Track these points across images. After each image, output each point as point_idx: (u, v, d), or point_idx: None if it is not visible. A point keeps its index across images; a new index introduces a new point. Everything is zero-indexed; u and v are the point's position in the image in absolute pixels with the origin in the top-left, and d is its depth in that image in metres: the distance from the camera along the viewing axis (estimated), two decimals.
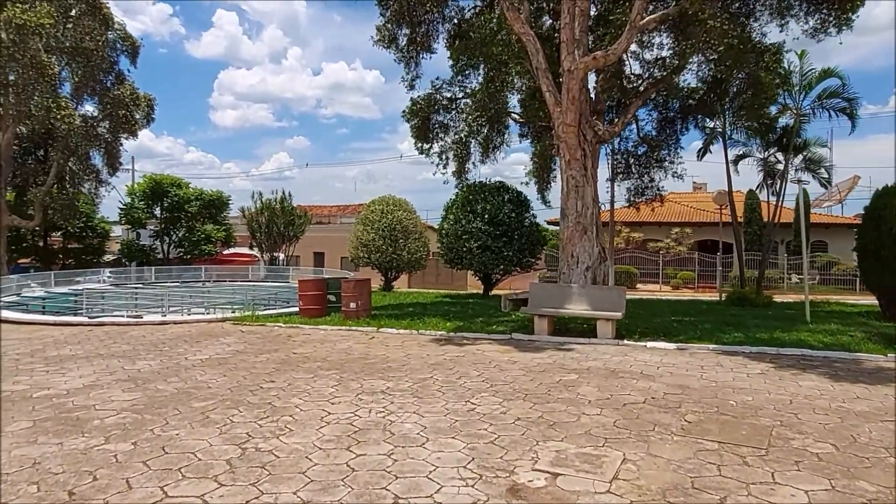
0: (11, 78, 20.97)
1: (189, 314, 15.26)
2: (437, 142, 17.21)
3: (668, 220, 34.50)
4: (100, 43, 24.00)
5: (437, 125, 17.12)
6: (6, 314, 14.35)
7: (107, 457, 4.82)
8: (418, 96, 16.84)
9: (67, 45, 23.73)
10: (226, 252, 37.21)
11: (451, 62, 16.14)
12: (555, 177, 18.72)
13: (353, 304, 12.69)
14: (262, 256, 32.23)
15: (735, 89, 15.48)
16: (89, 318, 13.98)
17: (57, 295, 18.83)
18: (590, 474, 4.42)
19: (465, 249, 19.12)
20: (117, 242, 37.94)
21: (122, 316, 14.55)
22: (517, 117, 16.31)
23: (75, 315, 15.19)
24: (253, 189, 46.97)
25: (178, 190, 33.77)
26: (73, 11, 23.90)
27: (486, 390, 6.95)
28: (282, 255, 31.49)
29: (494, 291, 21.32)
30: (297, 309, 14.04)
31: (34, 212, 25.37)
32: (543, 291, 10.93)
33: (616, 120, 15.02)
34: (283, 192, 31.84)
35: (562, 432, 5.39)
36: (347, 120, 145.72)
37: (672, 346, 9.67)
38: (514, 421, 5.73)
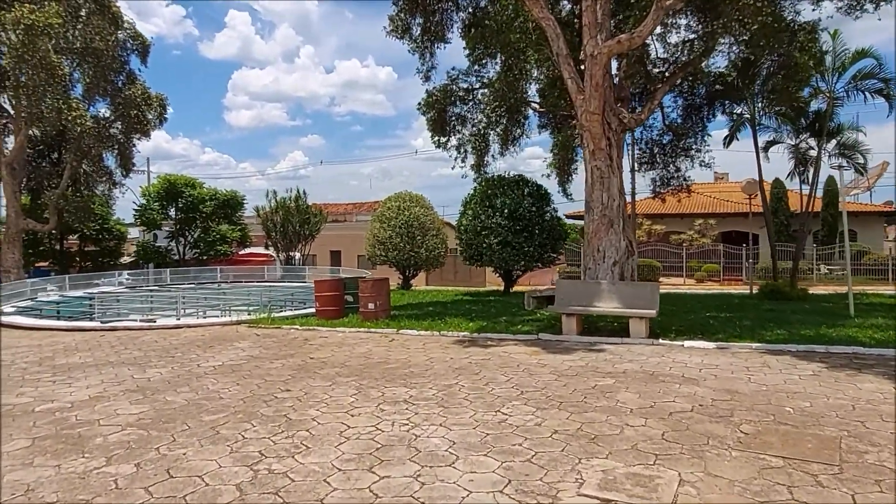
0: (22, 80, 20.75)
1: (204, 317, 14.90)
2: (455, 135, 16.67)
3: (691, 212, 33.61)
4: (110, 42, 23.77)
5: (453, 117, 16.58)
6: (18, 320, 14.09)
7: (106, 482, 4.37)
8: (434, 88, 16.32)
9: (77, 45, 23.53)
10: (241, 252, 36.98)
11: (466, 52, 15.63)
12: (576, 168, 18.13)
13: (371, 305, 12.22)
14: (278, 256, 31.92)
15: (766, 72, 14.75)
16: (102, 322, 13.67)
17: (71, 299, 18.61)
18: (645, 500, 3.89)
19: (484, 245, 18.57)
20: (133, 244, 37.88)
21: (136, 320, 14.21)
22: (536, 107, 15.72)
23: (89, 320, 14.89)
24: (268, 188, 46.74)
25: (193, 190, 33.55)
26: (83, 11, 23.67)
27: (517, 398, 6.42)
28: (298, 255, 31.12)
29: (515, 288, 20.78)
30: (313, 310, 13.61)
31: (49, 215, 25.24)
32: (571, 289, 10.37)
33: (641, 107, 14.38)
34: (298, 191, 31.45)
35: (605, 447, 4.86)
36: (361, 117, 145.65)
37: (711, 345, 9.07)
38: (551, 434, 5.20)
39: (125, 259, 36.94)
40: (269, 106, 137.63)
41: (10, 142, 24.15)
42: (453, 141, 16.41)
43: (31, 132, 23.92)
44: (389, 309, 12.75)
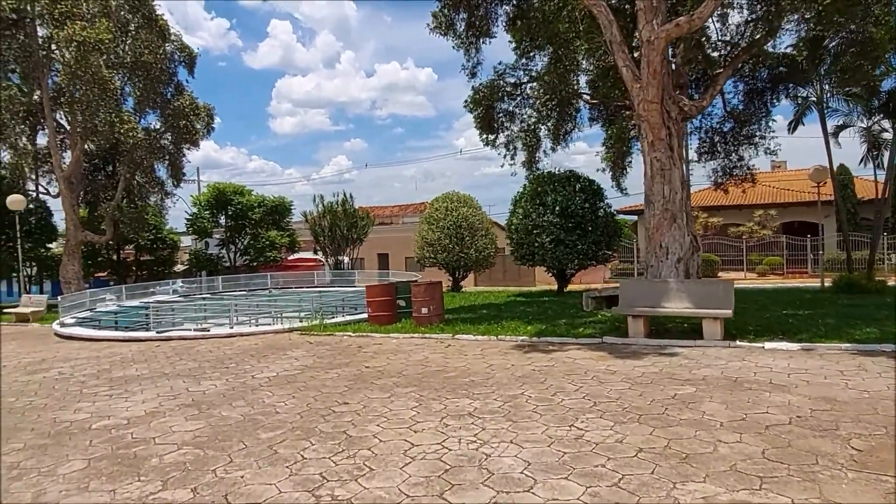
0: (76, 95, 21.23)
1: (256, 325, 14.84)
2: (503, 132, 16.17)
3: (750, 203, 32.17)
4: (158, 55, 24.14)
5: (501, 114, 16.09)
6: (78, 331, 14.30)
7: None
8: (480, 84, 15.87)
9: (128, 59, 23.99)
10: (290, 258, 37.28)
11: (512, 45, 15.14)
12: (630, 162, 17.38)
13: (424, 310, 11.87)
14: (327, 260, 31.98)
15: (835, 50, 13.77)
16: (157, 332, 13.74)
17: (128, 308, 18.91)
18: None
19: (536, 245, 18.02)
20: (186, 252, 38.68)
21: (190, 330, 14.23)
22: (588, 99, 15.08)
23: (145, 330, 15.03)
24: (314, 193, 47.10)
25: (241, 197, 33.98)
26: (131, 26, 24.12)
27: (591, 410, 5.94)
28: (346, 259, 31.09)
29: (569, 288, 20.15)
30: (365, 316, 13.36)
31: (105, 226, 25.85)
32: (636, 288, 9.78)
33: (700, 94, 13.61)
34: (345, 194, 31.38)
35: (700, 469, 4.34)
36: (402, 119, 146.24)
37: (795, 346, 8.36)
38: (636, 453, 4.71)
39: (179, 267, 37.74)
40: (311, 112, 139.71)
41: (67, 157, 24.84)
42: (501, 138, 15.92)
43: (86, 146, 24.52)
44: (443, 313, 12.37)
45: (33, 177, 26.61)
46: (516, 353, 9.11)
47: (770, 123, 16.31)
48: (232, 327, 13.86)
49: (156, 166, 26.16)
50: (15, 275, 34.82)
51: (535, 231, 18.04)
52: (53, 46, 22.47)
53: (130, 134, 22.75)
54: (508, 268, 33.67)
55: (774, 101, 16.04)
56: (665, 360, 8.03)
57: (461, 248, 22.20)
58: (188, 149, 26.49)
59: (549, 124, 14.70)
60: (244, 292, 25.51)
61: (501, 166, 18.88)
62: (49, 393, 8.15)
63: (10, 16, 22.27)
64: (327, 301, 16.97)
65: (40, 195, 27.71)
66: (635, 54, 11.85)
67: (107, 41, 21.08)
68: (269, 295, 24.05)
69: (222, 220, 34.50)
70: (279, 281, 27.94)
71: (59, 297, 17.72)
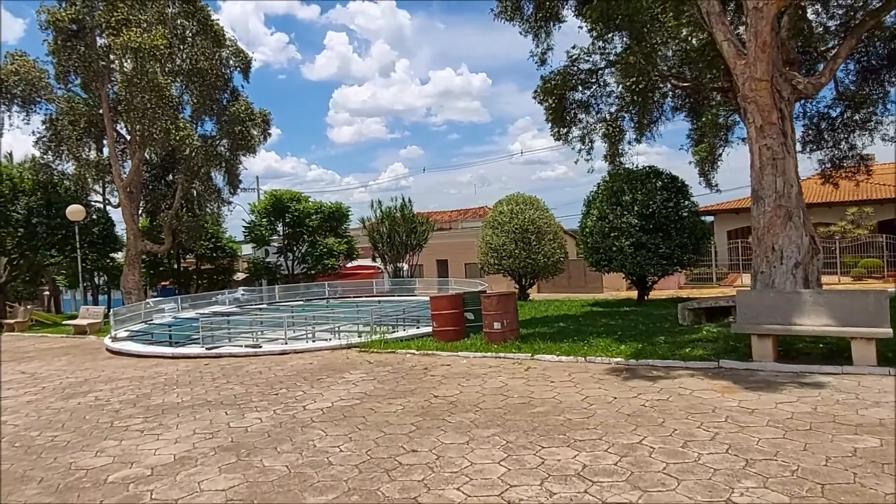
0: (135, 103, 20.90)
1: (312, 340, 13.76)
2: (575, 125, 14.59)
3: (841, 200, 29.25)
4: (214, 61, 23.71)
5: (574, 105, 14.53)
6: (128, 346, 13.57)
7: None
8: (551, 73, 14.36)
9: (184, 67, 23.65)
10: (348, 265, 36.50)
11: (587, 27, 13.57)
12: (720, 155, 15.42)
13: (497, 325, 10.43)
14: (385, 268, 30.94)
15: None
16: (206, 349, 12.82)
17: (184, 320, 18.25)
18: None
19: (614, 249, 16.31)
20: (245, 261, 38.53)
21: (241, 346, 13.28)
22: (678, 83, 13.31)
23: (197, 345, 14.17)
24: (371, 199, 46.39)
25: (298, 204, 33.41)
26: (188, 33, 23.78)
27: (745, 473, 4.38)
28: (405, 266, 29.94)
29: (650, 296, 18.33)
30: (429, 330, 12.04)
31: (164, 236, 25.59)
32: (758, 300, 8.04)
33: (816, 71, 11.72)
34: (403, 199, 30.24)
35: None
36: (457, 125, 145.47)
37: None
38: None
39: (239, 276, 37.58)
40: (368, 121, 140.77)
41: (127, 167, 24.68)
42: (575, 132, 14.35)
43: (144, 155, 24.30)
44: (518, 328, 10.90)
45: (97, 188, 26.65)
46: (614, 381, 7.57)
47: (888, 106, 14.12)
48: (286, 343, 12.80)
49: (212, 174, 25.75)
50: (86, 284, 35.57)
51: (612, 234, 16.35)
52: (112, 57, 22.28)
53: (187, 141, 22.34)
54: (573, 274, 31.85)
55: (894, 80, 13.86)
56: (813, 395, 6.33)
57: (528, 254, 20.60)
58: (244, 155, 25.97)
59: (632, 111, 13.03)
60: (301, 302, 24.69)
61: (576, 162, 17.24)
62: (77, 426, 7.15)
63: (70, 26, 22.22)
64: (386, 312, 15.77)
65: (104, 205, 27.78)
66: (738, 29, 10.11)
67: (162, 47, 20.68)
68: (326, 305, 23.12)
69: (280, 228, 34.05)
70: (337, 290, 27.03)
71: (110, 310, 17.19)
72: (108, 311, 16.91)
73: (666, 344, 9.33)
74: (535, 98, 14.28)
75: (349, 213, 35.29)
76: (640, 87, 11.92)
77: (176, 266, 33.21)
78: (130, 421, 7.20)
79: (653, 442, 5.16)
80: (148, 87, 20.71)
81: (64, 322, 22.80)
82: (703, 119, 13.85)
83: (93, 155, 24.98)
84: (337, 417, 6.68)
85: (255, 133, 25.45)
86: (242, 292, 27.25)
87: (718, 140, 14.80)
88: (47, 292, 40.49)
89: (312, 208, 33.66)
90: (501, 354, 9.62)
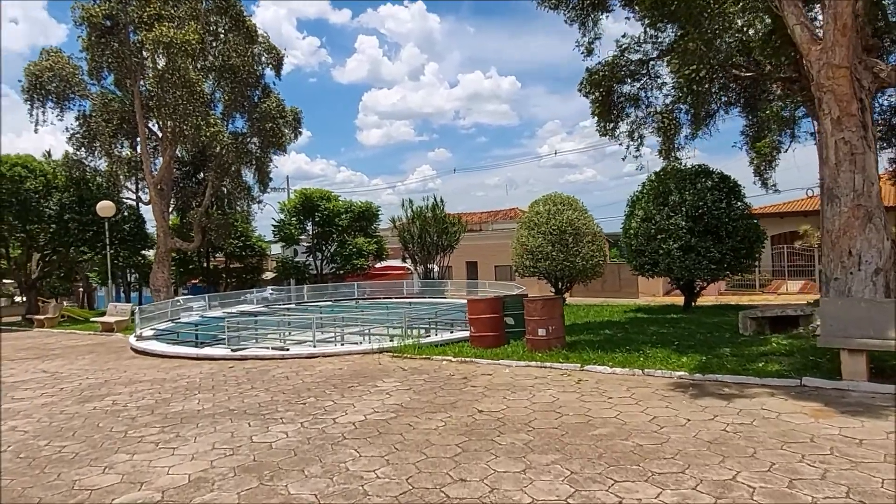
0: (166, 99, 20.59)
1: (342, 343, 13.12)
2: (623, 119, 13.69)
3: (890, 205, 27.68)
4: (246, 58, 23.32)
5: (622, 98, 13.62)
6: (152, 346, 13.09)
7: None
8: (597, 64, 13.48)
9: (216, 63, 23.32)
10: (377, 266, 35.91)
11: (638, 15, 12.70)
12: (785, 150, 14.31)
13: (542, 331, 9.61)
14: (416, 269, 30.26)
15: None
16: (232, 350, 12.25)
17: (210, 320, 17.78)
18: None
19: (661, 252, 15.35)
20: (274, 260, 38.24)
21: (267, 348, 12.69)
22: (740, 73, 12.32)
23: (223, 345, 13.64)
24: (402, 199, 45.78)
25: (328, 203, 32.91)
26: (220, 29, 23.44)
27: None
28: (436, 267, 29.19)
29: (697, 302, 17.28)
30: (465, 334, 11.29)
31: (194, 233, 25.29)
32: (847, 310, 7.10)
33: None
34: (435, 199, 29.48)
35: None
36: (486, 128, 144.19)
37: None
38: None
39: (268, 275, 37.29)
40: (397, 123, 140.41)
41: (158, 163, 24.45)
42: (623, 126, 13.45)
43: (175, 152, 24.02)
44: (564, 336, 10.05)
45: (129, 184, 26.50)
46: (681, 398, 6.71)
47: None
48: (314, 346, 12.17)
49: (243, 172, 25.36)
50: (120, 280, 35.70)
51: (659, 236, 15.39)
52: (145, 53, 22.03)
53: (218, 138, 21.96)
54: (608, 277, 30.76)
55: None
56: None
57: (566, 256, 19.68)
58: (275, 153, 25.53)
59: (688, 102, 12.08)
60: (329, 302, 24.13)
61: (623, 158, 16.41)
62: (89, 434, 6.56)
63: (104, 22, 22.02)
64: (418, 315, 15.04)
65: (136, 202, 27.64)
66: (811, 11, 9.17)
67: (194, 43, 20.33)
68: (355, 306, 22.50)
69: (309, 227, 33.62)
70: (366, 291, 26.43)
71: (136, 307, 16.78)
72: (137, 307, 16.52)
73: (734, 357, 8.41)
74: (580, 91, 13.42)
75: (379, 212, 34.71)
76: (700, 75, 11.02)
77: (205, 264, 33.01)
78: (146, 431, 6.59)
79: (749, 479, 4.32)
80: (180, 83, 20.37)
81: (93, 319, 22.63)
82: (767, 112, 12.86)
83: (125, 152, 24.81)
84: (371, 434, 5.97)
85: (287, 130, 25.00)
86: (271, 291, 26.85)
87: (783, 136, 13.74)
88: (81, 288, 40.82)
89: (342, 207, 33.14)
90: (547, 364, 8.81)
